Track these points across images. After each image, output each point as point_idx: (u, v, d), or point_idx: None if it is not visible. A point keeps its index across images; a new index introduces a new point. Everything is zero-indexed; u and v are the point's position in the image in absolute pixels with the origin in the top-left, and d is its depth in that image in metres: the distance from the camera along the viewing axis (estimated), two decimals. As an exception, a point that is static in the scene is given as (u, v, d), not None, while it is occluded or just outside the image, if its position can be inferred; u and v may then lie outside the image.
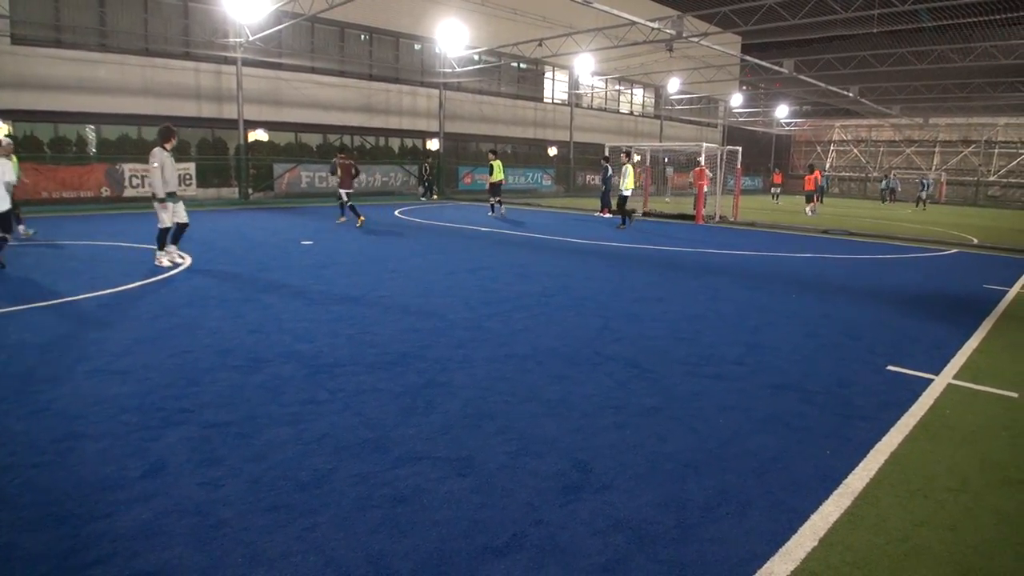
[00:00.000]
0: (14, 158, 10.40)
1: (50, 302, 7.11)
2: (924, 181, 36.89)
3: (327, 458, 3.59)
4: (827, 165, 54.08)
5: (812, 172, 26.54)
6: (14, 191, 10.08)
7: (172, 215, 9.45)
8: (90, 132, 21.54)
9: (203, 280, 8.63)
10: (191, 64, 22.78)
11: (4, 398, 4.36)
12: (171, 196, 9.36)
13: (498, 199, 20.03)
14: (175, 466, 3.47)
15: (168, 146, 9.28)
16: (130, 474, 3.37)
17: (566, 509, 3.09)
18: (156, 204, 9.29)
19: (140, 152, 21.43)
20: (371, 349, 5.64)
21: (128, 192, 20.36)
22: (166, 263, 9.48)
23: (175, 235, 9.70)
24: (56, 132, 20.79)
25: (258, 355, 5.40)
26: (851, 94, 35.33)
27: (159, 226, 9.43)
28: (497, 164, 20.01)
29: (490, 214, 19.81)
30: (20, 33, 19.48)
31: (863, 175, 52.51)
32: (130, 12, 21.72)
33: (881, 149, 52.70)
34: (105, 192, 19.93)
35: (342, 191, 16.06)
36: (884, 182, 40.68)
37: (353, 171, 16.03)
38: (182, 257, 9.90)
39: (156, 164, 9.11)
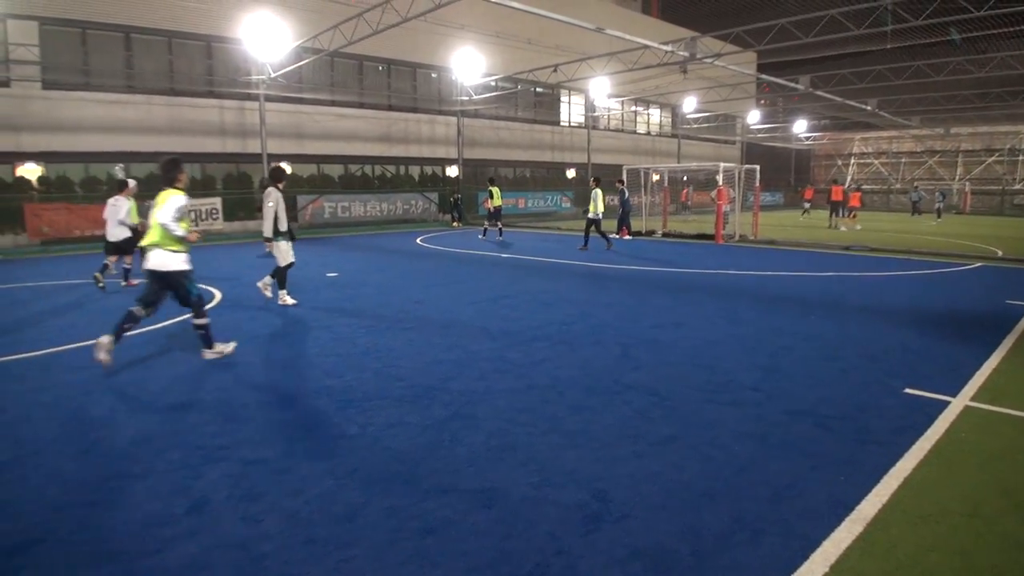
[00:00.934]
0: (133, 200, 11.66)
1: (88, 342, 7.42)
2: (940, 192, 36.63)
3: (359, 492, 3.78)
4: (848, 178, 53.80)
5: (859, 189, 27.31)
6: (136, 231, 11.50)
7: (288, 253, 9.45)
8: (119, 171, 22.19)
9: (234, 316, 8.91)
10: (215, 102, 23.47)
11: (56, 438, 4.62)
12: (284, 235, 9.36)
13: (489, 224, 21.18)
14: (217, 502, 3.68)
15: (281, 186, 9.36)
16: (176, 511, 3.59)
17: (586, 539, 3.24)
18: (268, 244, 9.35)
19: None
20: (398, 383, 5.84)
21: (158, 228, 20.89)
22: (290, 301, 9.53)
23: (277, 274, 9.61)
24: (87, 172, 21.48)
25: (290, 391, 5.63)
26: (869, 107, 35.33)
27: (279, 264, 9.49)
28: (495, 190, 20.99)
29: (481, 237, 20.90)
30: (50, 78, 20.28)
31: (886, 187, 52.16)
32: (155, 54, 22.49)
33: (903, 160, 52.35)
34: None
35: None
36: (914, 194, 40.13)
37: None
38: (282, 301, 9.64)
39: (271, 204, 9.17)
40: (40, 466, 4.19)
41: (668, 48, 22.81)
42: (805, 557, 3.06)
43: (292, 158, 25.65)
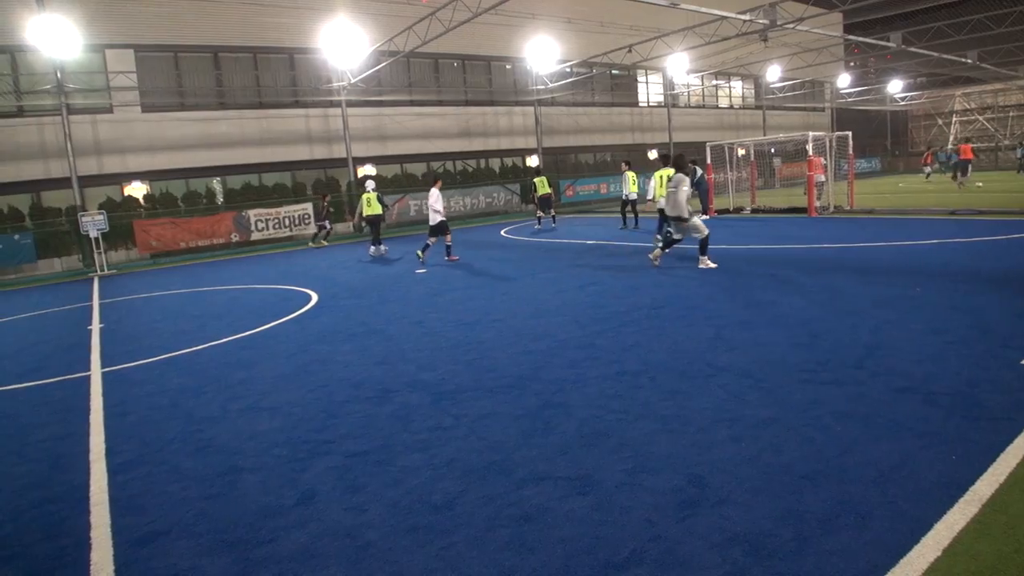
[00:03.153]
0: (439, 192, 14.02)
1: (199, 347, 7.92)
2: None
3: (456, 481, 3.88)
4: (950, 138, 50.44)
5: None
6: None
7: (703, 225, 10.92)
8: (217, 184, 23.44)
9: (331, 316, 9.29)
10: (301, 111, 24.40)
11: (174, 438, 4.97)
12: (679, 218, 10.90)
13: (542, 212, 21.83)
14: (324, 494, 3.86)
15: (687, 171, 11.06)
16: (286, 502, 3.79)
17: (683, 524, 3.22)
18: (682, 224, 10.94)
19: (262, 198, 23.12)
20: (489, 374, 5.94)
21: (255, 236, 21.97)
22: (712, 265, 10.94)
23: (703, 246, 11.02)
24: (188, 187, 22.79)
25: (386, 386, 5.83)
26: (969, 60, 32.95)
27: (697, 236, 10.91)
28: (540, 180, 22.00)
29: (537, 226, 21.56)
30: (148, 102, 21.62)
31: (993, 144, 48.58)
32: (243, 70, 23.58)
33: (1011, 114, 48.60)
34: (235, 237, 21.61)
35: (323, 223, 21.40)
36: (1020, 150, 37.27)
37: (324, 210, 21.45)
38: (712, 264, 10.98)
39: (684, 187, 10.78)
40: (163, 463, 4.52)
41: (746, 17, 22.00)
42: (916, 540, 2.92)
43: (376, 160, 26.37)
